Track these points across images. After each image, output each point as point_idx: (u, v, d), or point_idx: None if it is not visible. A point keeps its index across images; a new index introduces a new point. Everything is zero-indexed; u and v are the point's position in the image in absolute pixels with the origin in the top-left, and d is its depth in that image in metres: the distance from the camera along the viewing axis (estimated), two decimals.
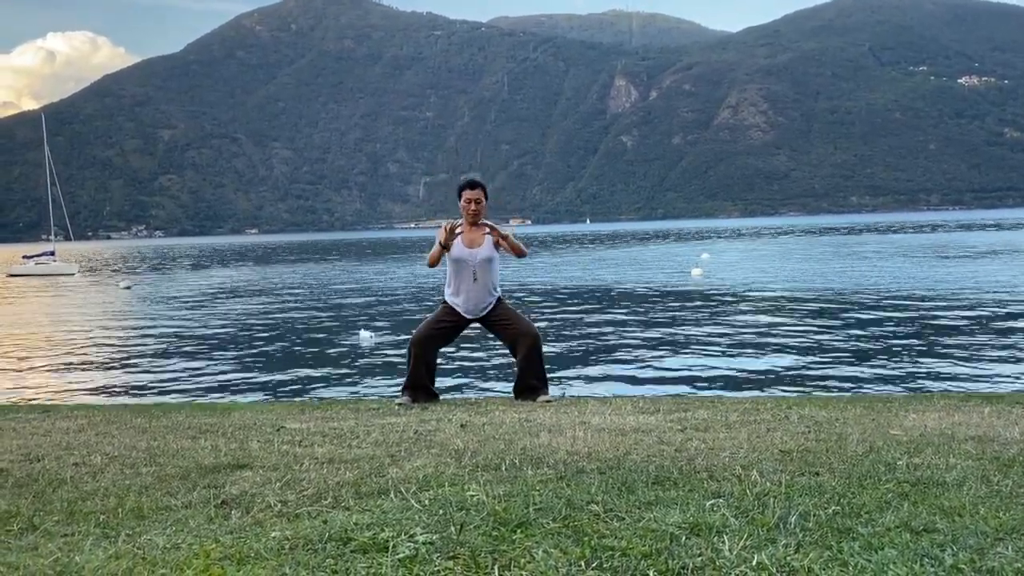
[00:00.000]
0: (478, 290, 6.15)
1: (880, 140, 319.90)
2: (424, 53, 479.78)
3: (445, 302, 6.32)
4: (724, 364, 11.91)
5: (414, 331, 6.33)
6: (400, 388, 6.39)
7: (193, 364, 13.82)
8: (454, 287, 6.23)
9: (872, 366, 11.32)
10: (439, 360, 6.51)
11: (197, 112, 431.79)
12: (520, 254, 6.30)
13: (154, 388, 11.75)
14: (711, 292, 23.86)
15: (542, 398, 6.16)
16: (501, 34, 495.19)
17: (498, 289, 6.30)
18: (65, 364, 14.32)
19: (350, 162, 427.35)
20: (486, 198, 6.26)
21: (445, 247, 6.12)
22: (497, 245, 6.23)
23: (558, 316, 19.06)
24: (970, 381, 10.06)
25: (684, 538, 2.47)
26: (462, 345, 14.62)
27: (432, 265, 6.26)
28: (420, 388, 6.20)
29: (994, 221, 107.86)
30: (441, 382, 11.21)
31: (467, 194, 6.17)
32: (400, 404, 6.07)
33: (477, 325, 6.39)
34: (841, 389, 9.79)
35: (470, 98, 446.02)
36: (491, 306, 6.23)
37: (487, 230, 6.22)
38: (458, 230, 6.15)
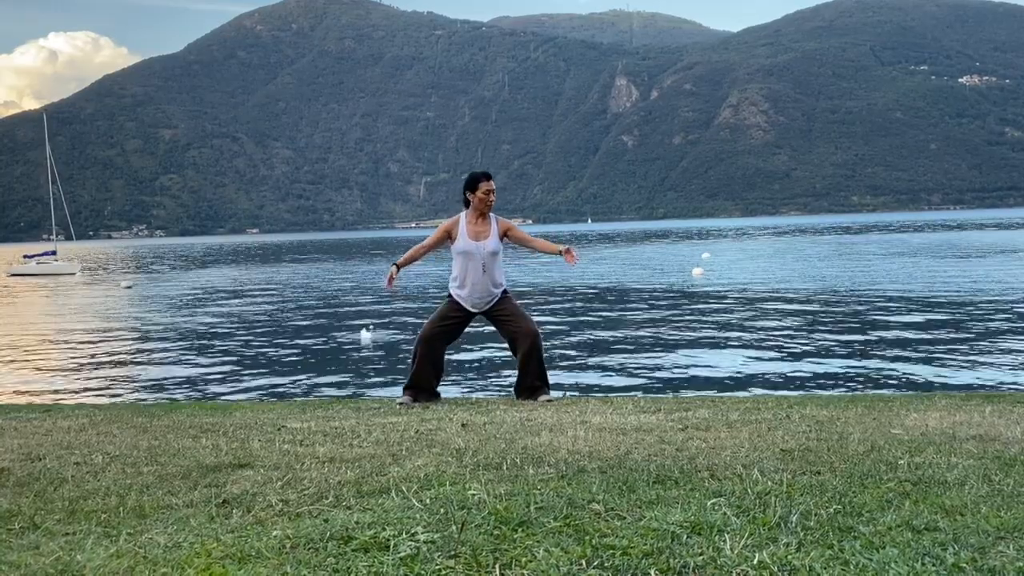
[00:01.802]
0: (485, 282, 6.13)
1: (881, 140, 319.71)
2: (425, 53, 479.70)
3: (450, 297, 6.30)
4: (725, 363, 11.91)
5: (420, 329, 6.31)
6: (402, 387, 6.38)
7: (194, 363, 13.83)
8: (460, 280, 6.20)
9: (873, 365, 11.32)
10: (454, 359, 6.49)
11: (198, 112, 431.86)
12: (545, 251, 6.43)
13: (155, 387, 11.76)
14: (712, 291, 23.86)
15: (543, 397, 6.15)
16: (502, 34, 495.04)
17: (503, 283, 6.29)
18: (66, 363, 14.33)
19: (351, 162, 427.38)
20: None
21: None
22: (503, 238, 6.24)
23: (559, 315, 19.05)
24: (971, 380, 10.05)
25: (685, 537, 2.47)
26: (463, 345, 14.61)
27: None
28: (423, 388, 6.20)
29: (996, 221, 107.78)
30: (441, 381, 11.22)
31: (485, 185, 6.14)
32: (401, 404, 6.06)
33: (480, 321, 6.38)
34: (842, 388, 9.79)
35: (471, 98, 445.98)
36: (496, 299, 6.22)
37: (493, 223, 6.22)
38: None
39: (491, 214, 6.26)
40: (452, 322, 6.25)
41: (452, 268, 6.30)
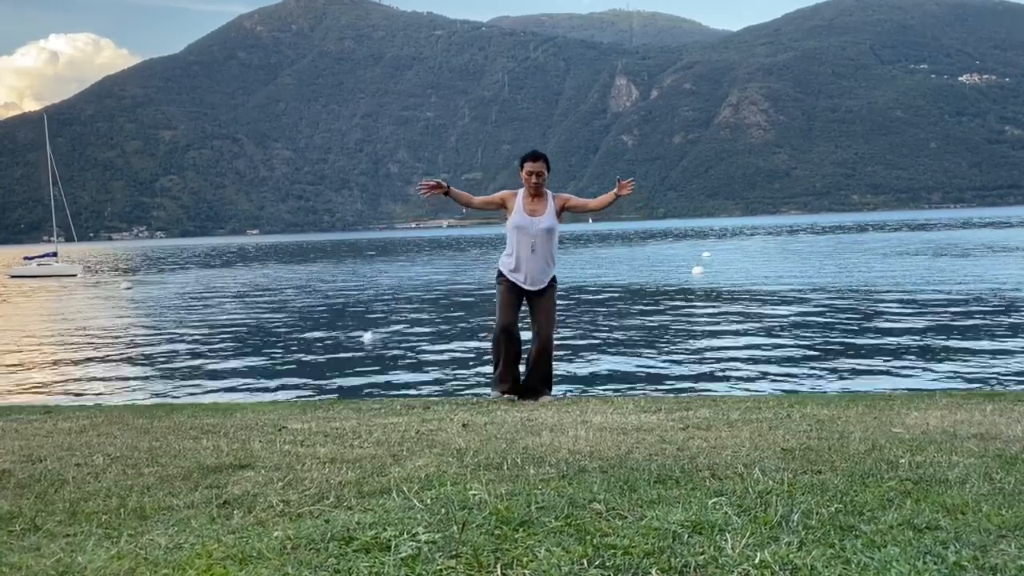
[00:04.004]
0: (537, 261, 6.07)
1: (881, 138, 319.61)
2: (425, 53, 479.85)
3: (502, 278, 6.21)
4: (726, 363, 11.90)
5: (496, 321, 6.24)
6: (493, 382, 6.36)
7: (195, 365, 13.83)
8: (514, 257, 6.14)
9: (874, 364, 11.31)
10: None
11: (198, 113, 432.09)
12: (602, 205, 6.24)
13: (156, 389, 11.76)
14: (712, 291, 23.85)
15: (544, 398, 6.17)
16: (502, 34, 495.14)
17: (556, 261, 6.23)
18: (67, 365, 14.32)
19: (351, 162, 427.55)
20: (548, 169, 6.17)
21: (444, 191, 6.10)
22: (561, 213, 6.19)
23: (560, 315, 19.03)
24: (972, 379, 10.05)
25: (686, 536, 2.47)
26: (463, 344, 14.61)
27: (473, 204, 6.26)
28: (511, 378, 6.20)
29: (996, 219, 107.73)
30: (442, 382, 11.22)
31: (528, 166, 6.09)
32: (495, 399, 6.10)
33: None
34: (843, 387, 9.79)
35: (471, 98, 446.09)
36: (549, 281, 6.17)
37: (549, 200, 6.17)
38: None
39: (548, 191, 6.19)
40: (515, 301, 6.17)
41: (507, 244, 6.23)
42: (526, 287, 6.12)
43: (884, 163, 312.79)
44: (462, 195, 6.23)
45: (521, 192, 6.19)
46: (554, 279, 6.24)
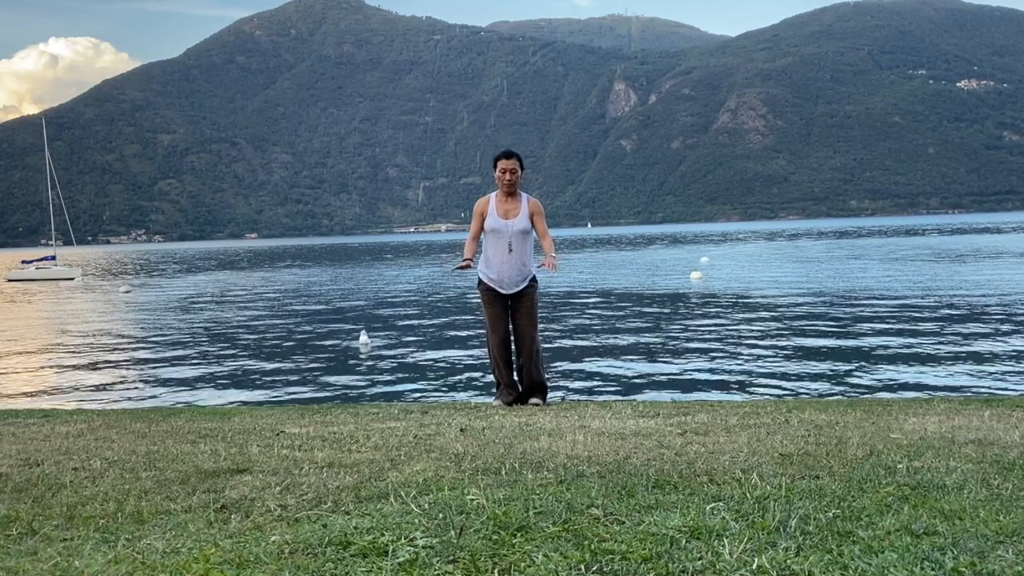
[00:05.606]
0: (513, 262, 6.04)
1: (879, 144, 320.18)
2: (423, 58, 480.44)
3: (483, 285, 6.19)
4: (724, 368, 11.91)
5: (488, 334, 6.24)
6: (497, 393, 6.36)
7: (193, 368, 13.82)
8: (487, 260, 6.11)
9: (872, 369, 11.32)
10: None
11: (197, 117, 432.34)
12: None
13: (154, 393, 11.75)
14: (711, 296, 23.86)
15: (532, 400, 6.17)
16: (500, 38, 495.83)
17: (533, 264, 6.19)
18: (65, 369, 14.31)
19: (350, 166, 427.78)
20: (521, 168, 6.16)
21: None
22: (532, 218, 6.14)
23: (559, 320, 19.05)
24: (970, 384, 10.05)
25: (684, 542, 2.46)
26: (460, 348, 14.60)
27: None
28: (515, 388, 6.20)
29: (994, 224, 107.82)
30: (440, 386, 11.21)
31: (502, 164, 6.07)
32: (495, 407, 6.10)
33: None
34: (841, 392, 9.79)
35: (469, 102, 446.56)
36: (526, 281, 6.14)
37: (523, 202, 6.15)
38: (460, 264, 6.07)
39: (523, 193, 6.17)
40: (500, 309, 6.16)
41: (482, 248, 6.19)
42: (503, 291, 6.11)
43: (882, 168, 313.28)
44: (469, 250, 6.15)
45: (494, 195, 6.18)
46: (534, 279, 6.22)
